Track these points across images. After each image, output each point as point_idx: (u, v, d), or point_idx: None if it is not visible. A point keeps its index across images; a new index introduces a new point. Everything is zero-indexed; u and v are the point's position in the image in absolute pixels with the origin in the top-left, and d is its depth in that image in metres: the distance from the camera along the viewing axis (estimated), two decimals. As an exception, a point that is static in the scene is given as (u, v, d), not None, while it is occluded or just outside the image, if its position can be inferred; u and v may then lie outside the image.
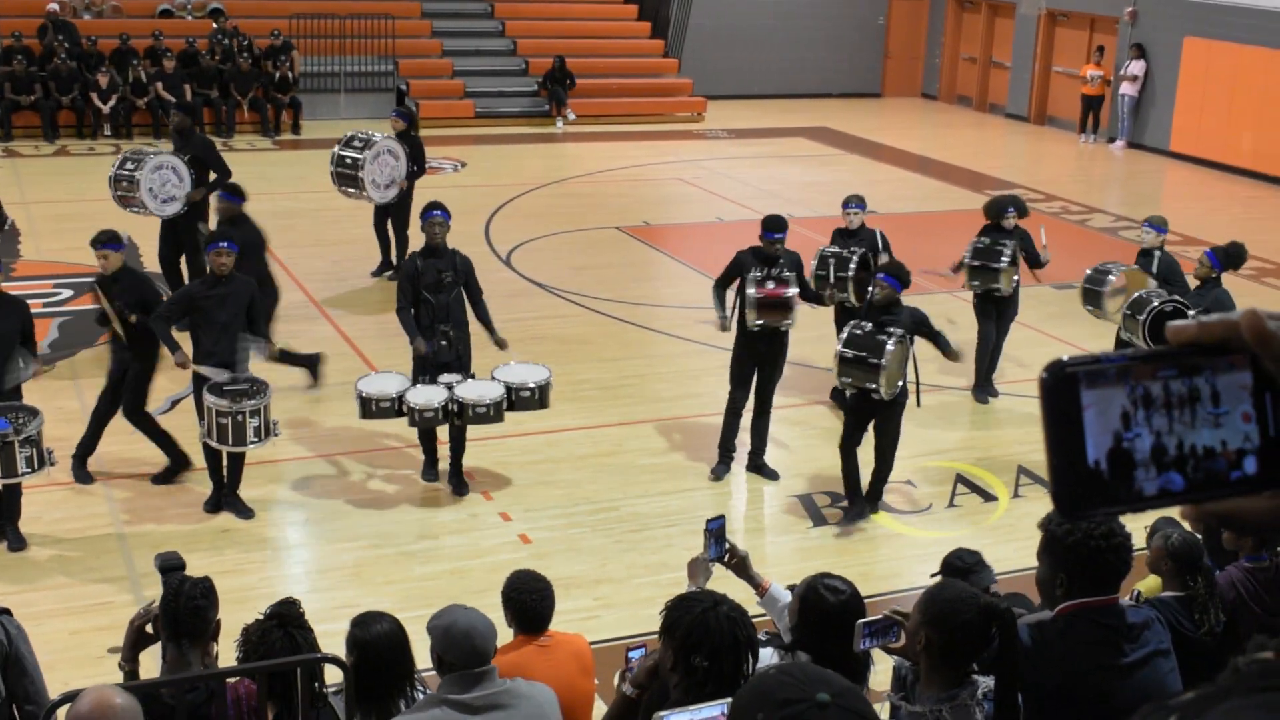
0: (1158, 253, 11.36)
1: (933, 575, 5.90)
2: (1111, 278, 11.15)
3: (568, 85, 26.06)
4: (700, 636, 3.98)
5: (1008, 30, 29.47)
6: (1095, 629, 4.23)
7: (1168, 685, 4.26)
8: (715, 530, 5.46)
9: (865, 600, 4.99)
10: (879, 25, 31.63)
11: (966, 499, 10.37)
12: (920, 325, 9.48)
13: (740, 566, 5.42)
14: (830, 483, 10.44)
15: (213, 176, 13.43)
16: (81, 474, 10.07)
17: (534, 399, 9.89)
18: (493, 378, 9.87)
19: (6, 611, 5.32)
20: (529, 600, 5.62)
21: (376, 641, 4.81)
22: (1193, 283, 11.00)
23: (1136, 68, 25.29)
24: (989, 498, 10.42)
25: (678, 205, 20.51)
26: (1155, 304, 10.42)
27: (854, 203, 12.11)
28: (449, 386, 9.67)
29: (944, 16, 31.37)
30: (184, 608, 4.92)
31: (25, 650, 5.31)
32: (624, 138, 25.08)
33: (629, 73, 27.84)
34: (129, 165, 12.92)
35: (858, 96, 31.20)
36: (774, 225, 10.14)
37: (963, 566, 5.84)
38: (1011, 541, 9.25)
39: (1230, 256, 10.59)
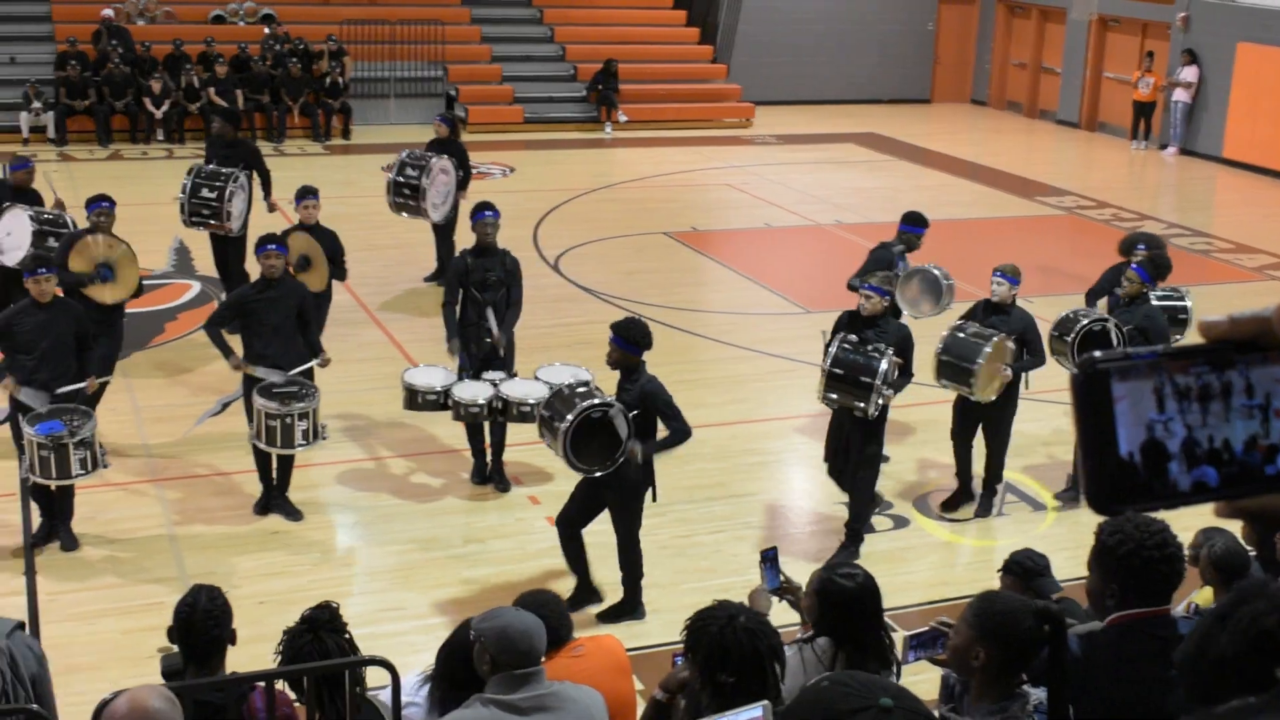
0: (1012, 308, 9.78)
1: (999, 571, 5.88)
2: (980, 359, 9.46)
3: (614, 91, 26.11)
4: (722, 655, 3.98)
5: (1058, 36, 29.28)
6: (1147, 640, 4.18)
7: (1219, 698, 4.21)
8: (770, 558, 5.49)
9: (912, 610, 5.00)
10: (928, 31, 31.50)
11: (1015, 508, 10.31)
12: (649, 399, 8.19)
13: (796, 600, 5.46)
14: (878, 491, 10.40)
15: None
16: None
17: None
18: (535, 377, 9.89)
19: (21, 626, 5.30)
20: (549, 621, 5.42)
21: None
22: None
23: (1189, 73, 25.08)
24: (1038, 507, 10.35)
25: (726, 211, 20.49)
26: (1084, 323, 9.91)
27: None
28: (494, 383, 9.70)
29: (994, 22, 31.21)
30: (199, 639, 4.98)
31: (46, 667, 5.28)
32: (672, 143, 25.07)
33: (677, 78, 27.85)
34: (204, 192, 12.73)
35: (907, 102, 31.07)
36: (917, 220, 11.07)
37: (1032, 568, 5.81)
38: (1060, 551, 9.15)
39: (1158, 268, 10.29)
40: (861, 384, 8.84)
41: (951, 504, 10.18)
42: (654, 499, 8.49)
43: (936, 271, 10.92)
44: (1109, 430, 1.23)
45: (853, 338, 9.03)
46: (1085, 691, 4.10)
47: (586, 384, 8.55)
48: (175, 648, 5.14)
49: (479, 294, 10.06)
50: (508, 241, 10.77)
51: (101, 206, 10.84)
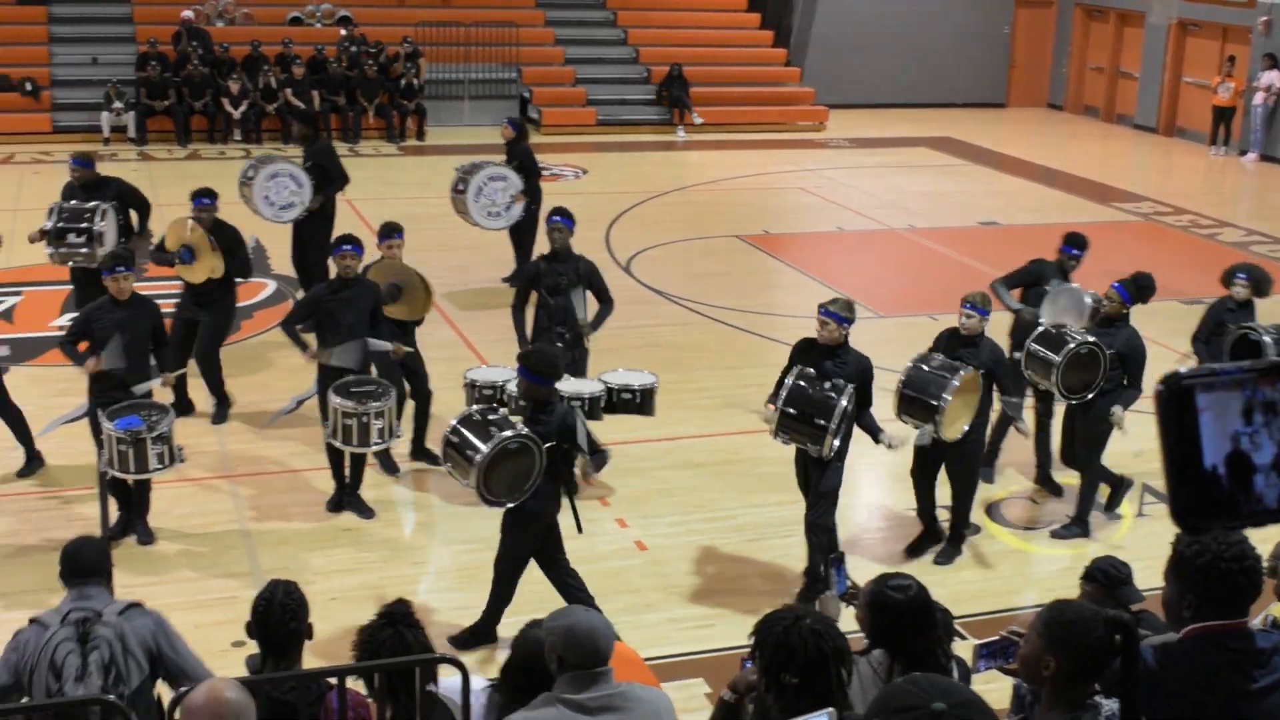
0: (981, 340, 9.13)
1: (1080, 579, 5.82)
2: (947, 394, 8.75)
3: (686, 92, 26.14)
4: (786, 655, 3.96)
5: (1136, 40, 28.96)
6: (1223, 653, 4.12)
7: (1297, 712, 4.15)
8: (838, 563, 5.48)
9: (984, 617, 4.97)
10: (1004, 34, 31.27)
11: (1090, 516, 10.19)
12: (569, 434, 7.93)
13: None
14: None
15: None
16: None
17: (635, 402, 9.75)
18: (599, 380, 9.91)
19: (138, 605, 5.49)
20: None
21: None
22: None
23: (1269, 78, 24.72)
24: (1113, 516, 10.23)
25: (798, 214, 20.44)
26: (1071, 345, 9.26)
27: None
28: None
29: (1071, 25, 30.93)
30: (274, 633, 5.05)
31: (171, 634, 5.53)
32: (745, 146, 25.05)
33: (751, 81, 27.83)
34: (250, 171, 13.42)
35: (982, 106, 30.86)
36: (1076, 242, 10.66)
37: (1117, 576, 5.75)
38: (1135, 561, 8.98)
39: (1140, 289, 9.78)
40: (816, 425, 8.21)
41: (915, 549, 9.41)
42: (579, 530, 8.18)
43: (1086, 295, 10.28)
44: (1193, 443, 1.22)
45: (810, 371, 8.48)
46: (1159, 703, 4.05)
47: (495, 409, 8.18)
48: (249, 641, 5.21)
49: (550, 298, 10.14)
50: (579, 244, 10.81)
51: (202, 203, 11.44)
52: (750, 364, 13.29)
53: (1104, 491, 10.16)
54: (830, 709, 3.86)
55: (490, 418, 7.92)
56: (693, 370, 12.72)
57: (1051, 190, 22.24)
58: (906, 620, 4.59)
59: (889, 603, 4.61)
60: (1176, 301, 14.58)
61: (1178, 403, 1.24)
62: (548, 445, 7.72)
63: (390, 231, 10.89)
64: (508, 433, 7.69)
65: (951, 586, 8.63)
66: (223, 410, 11.46)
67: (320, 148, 14.14)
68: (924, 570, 8.90)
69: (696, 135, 25.87)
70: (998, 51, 31.30)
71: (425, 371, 10.70)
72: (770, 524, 9.84)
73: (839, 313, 8.53)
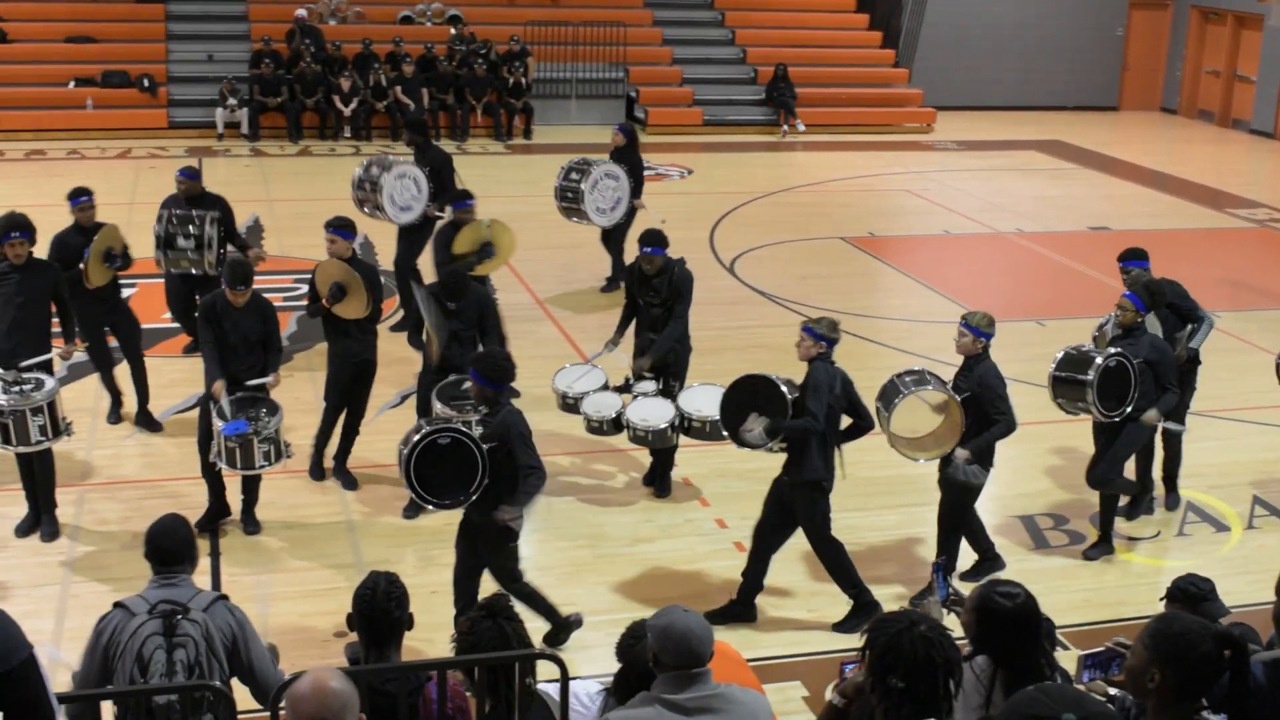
0: (977, 365, 8.66)
1: (1161, 599, 5.73)
2: (897, 400, 8.79)
3: (792, 96, 26.06)
4: (894, 658, 3.94)
5: (1254, 43, 28.39)
6: (1336, 670, 4.04)
7: None
8: (941, 568, 5.45)
9: (1087, 628, 4.90)
10: (1117, 36, 30.80)
11: (1197, 528, 10.02)
12: (507, 431, 7.55)
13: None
14: (1055, 505, 10.21)
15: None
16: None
17: (704, 431, 9.67)
18: (676, 403, 9.78)
19: (224, 597, 5.52)
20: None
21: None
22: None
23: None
24: (1221, 528, 10.05)
25: (904, 217, 20.29)
26: (1100, 361, 8.90)
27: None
28: (621, 392, 9.95)
29: (1186, 28, 30.38)
30: (377, 621, 5.10)
31: (250, 633, 5.52)
32: (852, 147, 24.92)
33: (859, 82, 27.68)
34: (374, 169, 13.44)
35: (1093, 110, 30.44)
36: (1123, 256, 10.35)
37: (1196, 594, 5.65)
38: (1244, 574, 8.91)
39: (1154, 295, 9.48)
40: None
41: (973, 574, 8.87)
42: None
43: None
44: None
45: (789, 382, 8.69)
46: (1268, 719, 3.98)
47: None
48: (351, 632, 5.27)
49: (645, 305, 10.20)
50: (683, 244, 10.80)
51: (467, 205, 12.04)
52: (853, 366, 13.12)
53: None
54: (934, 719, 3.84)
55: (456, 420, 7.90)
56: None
57: (1164, 195, 21.87)
58: (1013, 627, 4.55)
59: (996, 609, 4.57)
60: (1290, 310, 14.26)
61: None
62: (489, 446, 7.56)
63: (332, 225, 10.18)
64: (450, 428, 7.58)
65: (1055, 596, 8.52)
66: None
67: (440, 156, 14.20)
68: (1029, 578, 8.79)
69: (802, 136, 25.78)
70: (1111, 54, 30.84)
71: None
72: (869, 528, 9.78)
73: (814, 329, 8.59)
